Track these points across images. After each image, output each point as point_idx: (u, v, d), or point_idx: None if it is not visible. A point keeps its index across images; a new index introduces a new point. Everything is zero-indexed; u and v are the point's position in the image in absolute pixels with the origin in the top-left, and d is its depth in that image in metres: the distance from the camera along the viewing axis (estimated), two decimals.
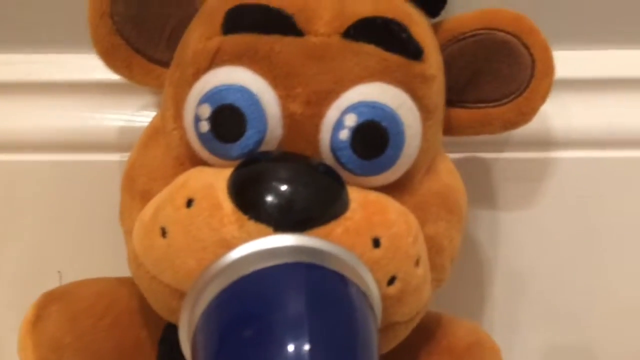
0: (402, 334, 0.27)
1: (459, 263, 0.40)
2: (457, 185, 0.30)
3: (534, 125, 0.38)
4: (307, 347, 0.20)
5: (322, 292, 0.22)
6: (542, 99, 0.30)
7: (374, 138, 0.25)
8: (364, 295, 0.23)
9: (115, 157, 0.36)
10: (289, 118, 0.25)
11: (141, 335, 0.29)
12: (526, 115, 0.31)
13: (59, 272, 0.38)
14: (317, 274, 0.22)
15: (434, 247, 0.27)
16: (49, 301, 0.30)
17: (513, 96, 0.30)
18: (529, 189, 0.40)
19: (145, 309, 0.29)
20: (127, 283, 0.30)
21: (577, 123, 0.39)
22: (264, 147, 0.25)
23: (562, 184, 0.39)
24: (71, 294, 0.30)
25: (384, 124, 0.25)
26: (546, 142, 0.39)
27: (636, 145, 0.39)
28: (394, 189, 0.27)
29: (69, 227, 0.38)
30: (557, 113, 0.38)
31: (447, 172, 0.29)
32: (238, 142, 0.25)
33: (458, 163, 0.37)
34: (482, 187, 0.40)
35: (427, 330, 0.31)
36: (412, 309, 0.26)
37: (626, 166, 0.39)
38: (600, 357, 0.42)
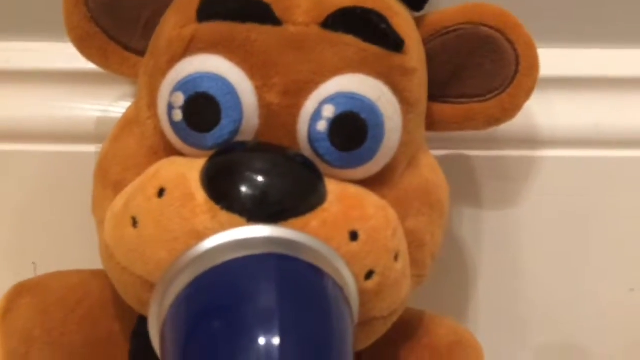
0: (381, 329, 0.26)
1: (443, 261, 0.40)
2: (439, 181, 0.29)
3: (519, 124, 0.38)
4: (277, 340, 0.19)
5: (294, 284, 0.21)
6: (526, 96, 0.30)
7: (352, 130, 0.25)
8: (340, 289, 0.22)
9: (91, 148, 0.35)
10: (265, 108, 0.25)
11: (114, 328, 0.29)
12: (510, 111, 0.30)
13: (33, 263, 0.37)
14: (290, 265, 0.21)
15: (414, 242, 0.27)
16: (20, 293, 0.29)
17: (497, 92, 0.30)
18: (513, 188, 0.39)
19: (118, 301, 0.28)
20: (100, 275, 0.29)
21: (563, 122, 0.38)
22: (239, 138, 0.25)
23: (547, 183, 0.39)
24: (43, 286, 0.30)
25: (363, 115, 0.24)
26: (531, 141, 0.39)
27: (621, 145, 0.39)
28: (374, 183, 0.26)
29: (44, 218, 0.37)
30: (542, 111, 0.38)
31: (429, 168, 0.29)
32: (212, 132, 0.24)
33: (442, 160, 0.37)
34: (466, 184, 0.39)
35: (408, 327, 0.31)
36: (390, 304, 0.25)
37: (611, 166, 0.39)
38: (584, 355, 0.41)
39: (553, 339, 0.42)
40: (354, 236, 0.24)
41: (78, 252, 0.35)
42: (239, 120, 0.24)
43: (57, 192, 0.38)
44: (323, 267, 0.22)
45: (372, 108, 0.25)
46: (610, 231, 0.40)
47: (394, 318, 0.26)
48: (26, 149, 0.37)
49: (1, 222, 0.38)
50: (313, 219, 0.23)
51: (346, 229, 0.23)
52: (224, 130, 0.24)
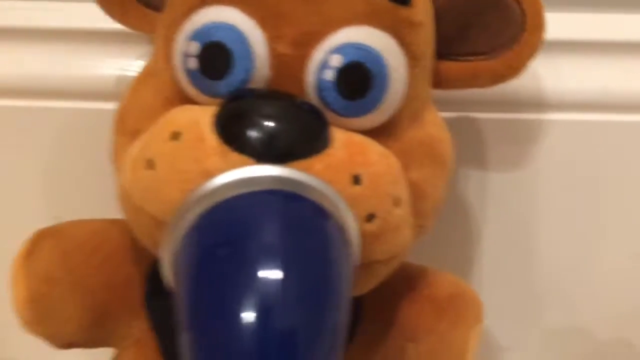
0: (381, 273, 0.27)
1: (449, 224, 0.41)
2: (443, 136, 0.30)
3: (527, 87, 0.38)
4: (279, 274, 0.20)
5: (298, 220, 0.22)
6: (532, 53, 0.31)
7: (358, 79, 0.25)
8: (342, 229, 0.23)
9: (112, 105, 0.37)
10: (276, 58, 0.26)
11: (131, 272, 0.30)
12: (515, 69, 0.31)
13: (56, 217, 0.39)
14: (295, 203, 0.22)
15: (417, 193, 0.28)
16: (42, 237, 0.31)
17: (503, 49, 0.30)
18: (520, 151, 0.40)
19: (136, 247, 0.29)
20: (119, 223, 0.31)
21: (571, 85, 0.39)
22: (251, 86, 0.26)
23: (553, 146, 0.40)
24: (64, 232, 0.31)
25: (368, 65, 0.25)
26: (539, 104, 0.39)
27: (630, 109, 0.39)
28: (378, 134, 0.27)
29: (66, 173, 0.39)
30: (550, 75, 0.38)
31: (433, 124, 0.30)
32: (225, 80, 0.25)
33: (450, 122, 0.37)
34: (473, 147, 0.40)
35: (410, 280, 0.32)
36: (391, 247, 0.26)
37: (619, 130, 0.39)
38: (585, 314, 0.42)
39: (557, 302, 0.43)
40: (356, 180, 0.24)
41: (99, 207, 0.36)
42: (250, 69, 0.25)
43: (77, 149, 0.39)
44: (326, 207, 0.23)
45: (377, 58, 0.26)
46: (617, 195, 0.40)
47: (395, 263, 0.27)
48: (48, 105, 0.38)
49: (24, 177, 0.40)
50: (318, 162, 0.24)
51: (349, 172, 0.24)
52: (236, 78, 0.25)
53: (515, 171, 0.40)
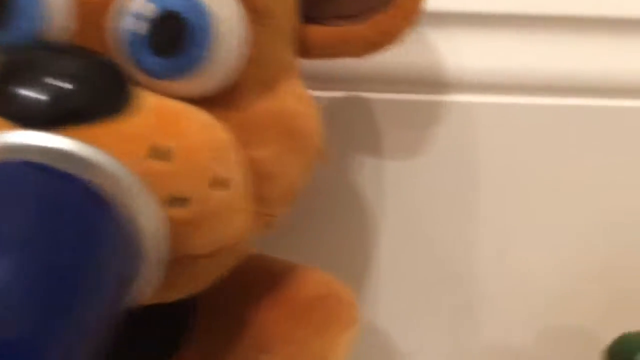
0: (208, 269, 0.23)
1: (341, 214, 0.37)
2: (305, 111, 0.26)
3: (425, 64, 0.35)
4: (9, 264, 0.15)
5: (49, 202, 0.17)
6: (408, 19, 0.26)
7: (172, 31, 0.21)
8: (125, 214, 0.18)
9: None
10: (79, 7, 0.21)
11: None
12: (388, 35, 0.26)
13: None
14: (52, 179, 0.17)
15: (260, 174, 0.23)
16: None
17: (375, 13, 0.26)
18: (418, 135, 0.36)
19: None
20: None
21: (472, 64, 0.35)
22: (46, 39, 0.21)
23: (454, 131, 0.36)
24: None
25: (185, 14, 0.21)
26: (438, 84, 0.35)
27: (535, 91, 0.35)
28: (216, 104, 0.22)
29: None
30: (451, 52, 0.35)
31: (294, 96, 0.25)
32: (5, 29, 0.21)
33: (338, 102, 0.33)
34: (366, 130, 0.36)
35: (271, 279, 0.27)
36: (214, 240, 0.22)
37: (524, 113, 0.36)
38: (486, 310, 0.38)
39: (463, 300, 0.39)
40: (159, 153, 0.20)
41: None
42: (38, 18, 0.21)
43: None
44: (102, 185, 0.18)
45: (197, 7, 0.21)
46: (516, 179, 0.37)
47: (226, 258, 0.23)
48: None
49: None
50: (106, 130, 0.19)
51: (148, 144, 0.20)
52: (20, 27, 0.21)
53: (413, 158, 0.36)
